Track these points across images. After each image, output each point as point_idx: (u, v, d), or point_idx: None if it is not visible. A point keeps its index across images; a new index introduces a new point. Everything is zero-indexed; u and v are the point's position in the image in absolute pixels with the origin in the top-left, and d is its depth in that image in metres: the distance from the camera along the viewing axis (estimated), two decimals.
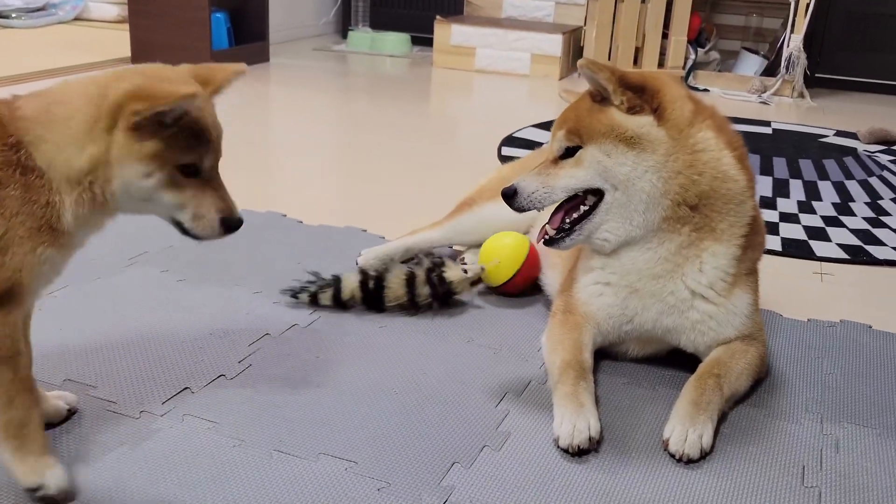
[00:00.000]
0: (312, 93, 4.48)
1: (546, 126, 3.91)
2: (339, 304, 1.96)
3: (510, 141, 3.63)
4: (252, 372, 1.69)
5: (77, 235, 1.27)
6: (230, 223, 1.32)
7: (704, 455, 1.49)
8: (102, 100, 1.20)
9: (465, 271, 1.99)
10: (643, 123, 1.59)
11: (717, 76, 5.11)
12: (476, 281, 2.01)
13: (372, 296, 1.96)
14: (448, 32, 5.32)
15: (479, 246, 2.19)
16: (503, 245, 2.07)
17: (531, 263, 2.06)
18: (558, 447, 1.50)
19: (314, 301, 1.96)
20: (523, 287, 2.08)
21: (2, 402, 1.25)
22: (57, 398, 1.48)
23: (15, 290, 1.22)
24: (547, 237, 1.72)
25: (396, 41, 5.82)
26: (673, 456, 1.48)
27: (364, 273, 1.98)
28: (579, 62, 1.62)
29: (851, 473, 1.47)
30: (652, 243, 1.65)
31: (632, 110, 1.60)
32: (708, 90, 5.01)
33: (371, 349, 1.80)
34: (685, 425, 1.51)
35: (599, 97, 1.63)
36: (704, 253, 1.64)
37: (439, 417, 1.56)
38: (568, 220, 1.69)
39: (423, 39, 5.99)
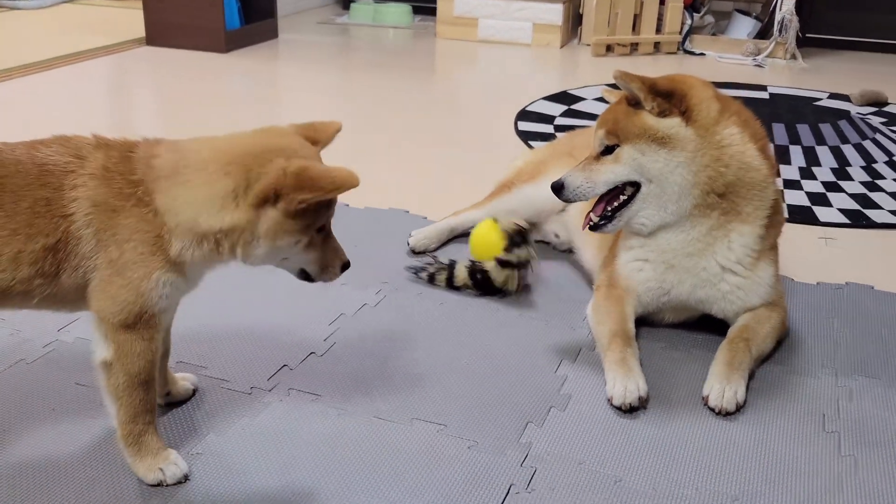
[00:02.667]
0: (324, 69, 4.65)
1: (556, 98, 4.11)
2: (452, 287, 2.20)
3: (525, 115, 3.83)
4: (338, 348, 1.92)
5: (194, 268, 1.43)
6: (345, 268, 1.50)
7: (739, 408, 1.74)
8: (246, 176, 1.33)
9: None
10: (672, 125, 1.82)
11: (712, 40, 5.31)
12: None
13: (481, 284, 2.18)
14: (451, 4, 5.47)
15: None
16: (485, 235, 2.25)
17: None
18: (612, 406, 1.74)
19: (431, 281, 2.22)
20: None
21: (128, 417, 1.45)
22: (183, 379, 1.71)
23: (146, 313, 1.38)
24: (591, 223, 1.95)
25: (398, 12, 5.96)
26: (713, 410, 1.73)
27: (472, 264, 2.19)
28: (614, 73, 1.84)
29: (865, 419, 1.73)
30: (685, 226, 1.89)
31: (662, 114, 1.83)
32: (704, 54, 5.21)
33: (436, 325, 2.04)
34: (722, 383, 1.76)
35: (634, 101, 1.85)
36: (732, 233, 1.88)
37: (509, 384, 1.81)
38: (609, 209, 1.92)
39: (423, 9, 6.13)
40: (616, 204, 1.91)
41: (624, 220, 1.92)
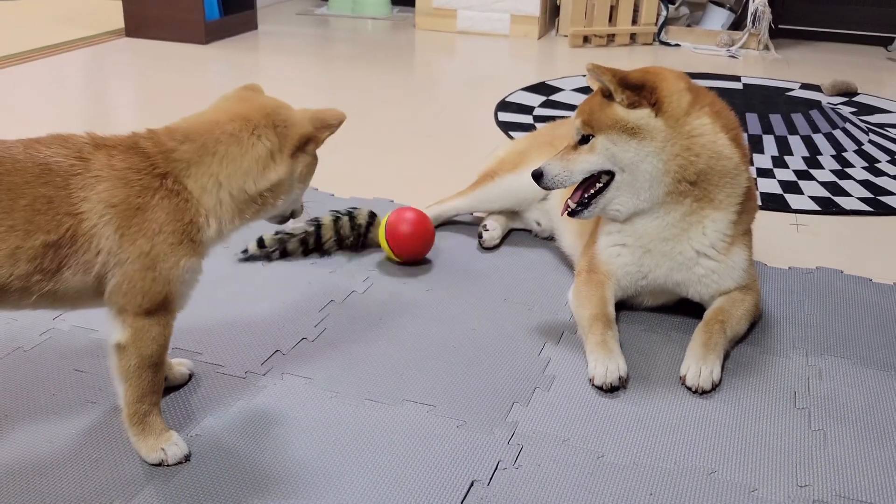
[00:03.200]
0: (303, 61, 4.69)
1: (534, 89, 4.18)
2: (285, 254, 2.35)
3: (504, 106, 3.90)
4: (328, 334, 1.98)
5: (210, 247, 1.52)
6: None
7: (715, 387, 1.82)
8: (275, 132, 1.51)
9: (374, 215, 2.38)
10: (641, 116, 1.90)
11: (687, 31, 5.40)
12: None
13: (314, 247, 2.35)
14: None
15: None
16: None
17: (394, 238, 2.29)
18: (594, 386, 1.82)
19: (284, 254, 2.35)
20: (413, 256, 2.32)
21: (134, 397, 1.50)
22: (179, 365, 1.77)
23: (168, 300, 1.46)
24: (569, 209, 2.02)
25: (377, 4, 6.00)
26: (689, 389, 1.81)
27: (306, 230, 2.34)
28: (587, 66, 1.92)
29: (833, 396, 1.81)
30: (659, 213, 1.96)
31: (632, 105, 1.90)
32: (679, 45, 5.30)
33: (423, 310, 2.10)
34: (698, 364, 1.84)
35: (608, 93, 1.92)
36: (706, 220, 1.96)
37: (495, 366, 1.88)
38: (586, 196, 2.00)
39: (402, 0, 6.17)
40: (592, 191, 1.99)
41: (599, 206, 1.99)
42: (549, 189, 2.05)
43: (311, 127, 1.55)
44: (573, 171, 1.97)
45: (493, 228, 2.47)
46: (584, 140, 1.96)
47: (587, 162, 1.95)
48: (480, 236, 2.45)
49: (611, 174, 1.95)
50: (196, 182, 1.45)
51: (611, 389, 1.81)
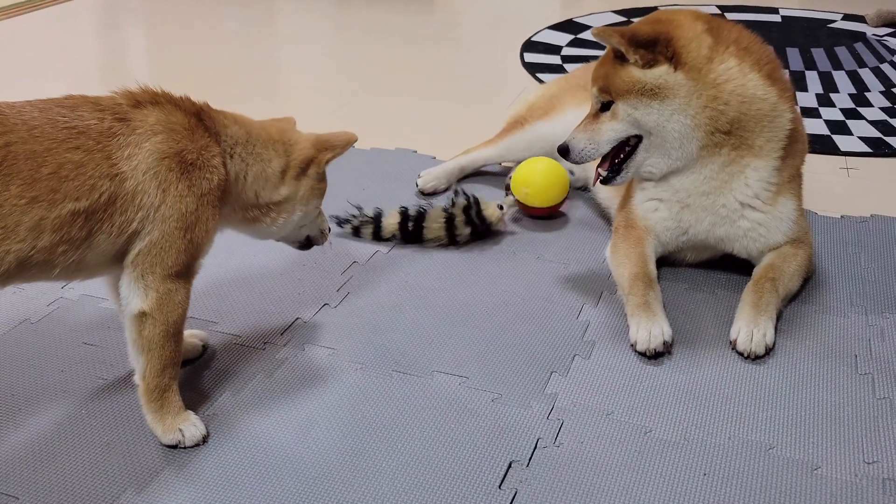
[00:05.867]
0: (320, 4, 4.49)
1: (561, 27, 3.98)
2: (379, 239, 2.08)
3: (530, 46, 3.71)
4: (352, 299, 1.86)
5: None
6: (329, 231, 1.71)
7: (768, 351, 1.68)
8: (287, 153, 1.52)
9: (501, 207, 2.11)
10: (660, 74, 1.73)
11: None
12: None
13: (411, 234, 2.07)
14: None
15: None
16: (535, 171, 2.17)
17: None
18: (636, 352, 1.69)
19: (356, 233, 2.10)
20: (552, 211, 2.21)
21: (156, 369, 1.41)
22: (191, 336, 1.66)
23: (194, 262, 1.41)
24: (601, 177, 1.87)
25: None
26: (741, 354, 1.68)
27: (404, 213, 2.08)
28: (592, 32, 1.75)
29: None
30: (695, 167, 1.81)
31: (648, 65, 1.73)
32: None
33: (451, 271, 1.97)
34: (749, 326, 1.70)
35: (620, 54, 1.75)
36: (747, 168, 1.80)
37: (530, 332, 1.75)
38: (616, 161, 1.85)
39: None
40: (622, 156, 1.85)
41: (632, 171, 1.86)
42: (579, 163, 1.89)
43: (312, 150, 1.54)
44: (599, 143, 1.83)
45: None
46: (605, 107, 1.81)
47: (612, 131, 1.81)
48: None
49: (639, 137, 1.81)
50: (234, 166, 1.46)
51: (654, 356, 1.68)
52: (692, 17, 1.79)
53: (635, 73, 1.74)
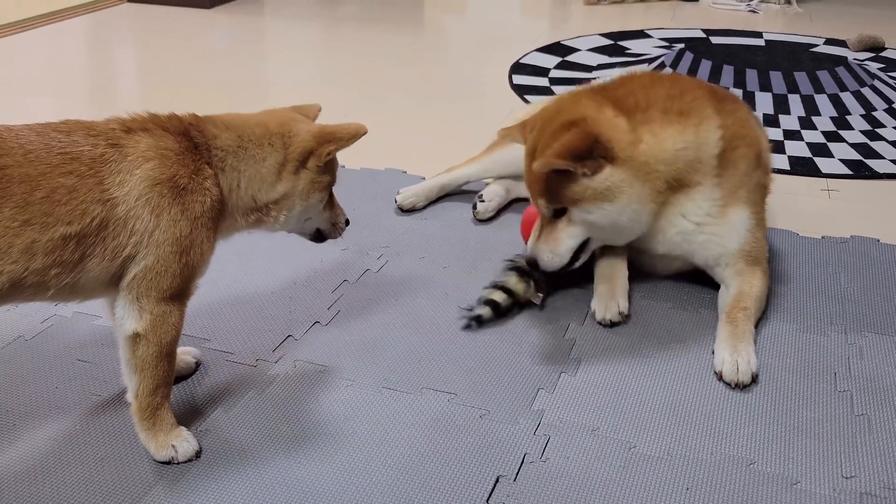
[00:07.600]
0: (310, 24, 4.55)
1: (549, 50, 4.04)
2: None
3: (519, 68, 3.76)
4: (342, 317, 1.89)
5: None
6: (347, 224, 1.68)
7: (755, 378, 1.70)
8: (286, 146, 1.48)
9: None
10: (605, 177, 1.74)
11: None
12: None
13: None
14: None
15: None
16: None
17: None
18: (597, 322, 1.88)
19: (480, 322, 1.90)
20: None
21: (148, 389, 1.43)
22: (184, 353, 1.68)
23: (189, 285, 1.43)
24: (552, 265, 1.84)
25: None
26: (729, 385, 1.69)
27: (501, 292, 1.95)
28: (534, 166, 1.71)
29: (876, 377, 1.72)
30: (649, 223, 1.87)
31: (595, 172, 1.73)
32: (698, 0, 5.12)
33: (441, 289, 2.01)
34: (732, 356, 1.71)
35: (562, 172, 1.74)
36: (692, 192, 1.84)
37: (517, 350, 1.78)
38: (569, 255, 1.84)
39: None
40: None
41: (588, 255, 1.89)
42: (550, 271, 1.85)
43: (313, 142, 1.50)
44: (562, 253, 1.82)
45: (490, 199, 2.36)
46: (558, 213, 1.81)
47: (570, 238, 1.81)
48: (475, 207, 2.34)
49: None
50: (225, 178, 1.45)
51: (611, 325, 1.85)
52: (595, 106, 1.78)
53: (583, 181, 1.74)
